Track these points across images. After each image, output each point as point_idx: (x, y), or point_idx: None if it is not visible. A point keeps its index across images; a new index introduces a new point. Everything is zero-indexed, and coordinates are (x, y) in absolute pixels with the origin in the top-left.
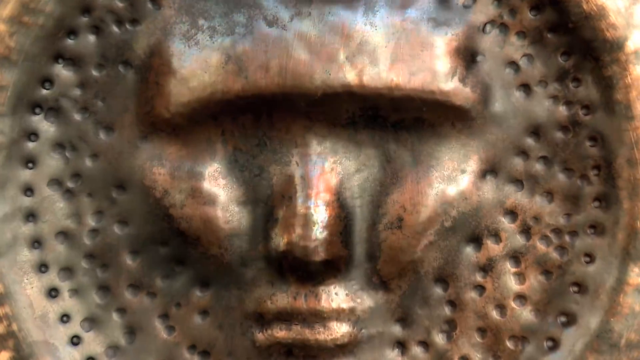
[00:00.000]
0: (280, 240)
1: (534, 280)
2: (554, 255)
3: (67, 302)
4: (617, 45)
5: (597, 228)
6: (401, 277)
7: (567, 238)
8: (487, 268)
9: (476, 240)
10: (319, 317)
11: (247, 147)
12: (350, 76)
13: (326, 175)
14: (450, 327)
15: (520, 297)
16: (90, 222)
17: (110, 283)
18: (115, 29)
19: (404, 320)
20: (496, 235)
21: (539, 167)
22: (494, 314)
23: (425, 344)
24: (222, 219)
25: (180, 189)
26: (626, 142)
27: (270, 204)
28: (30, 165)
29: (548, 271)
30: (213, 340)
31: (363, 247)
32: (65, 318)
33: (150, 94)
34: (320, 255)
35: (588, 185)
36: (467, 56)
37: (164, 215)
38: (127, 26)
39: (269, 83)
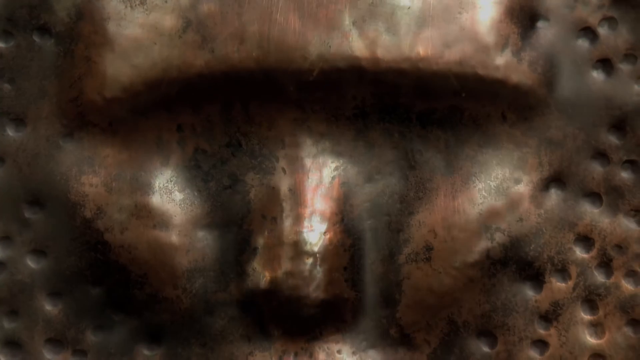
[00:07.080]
0: (260, 278)
1: (617, 332)
2: None
3: None
4: None
5: None
6: (430, 328)
7: None
8: (551, 316)
9: (536, 278)
10: None
11: (214, 148)
12: (358, 48)
13: (325, 187)
14: None
15: (598, 357)
16: None
17: (22, 337)
18: None
19: None
20: (564, 271)
21: (624, 175)
22: None
23: None
24: (178, 248)
25: (120, 207)
26: None
27: (246, 227)
28: None
29: (636, 320)
30: None
31: (377, 287)
32: None
33: (77, 73)
34: (316, 299)
35: None
36: (523, 20)
37: (96, 242)
38: None
39: (245, 58)
